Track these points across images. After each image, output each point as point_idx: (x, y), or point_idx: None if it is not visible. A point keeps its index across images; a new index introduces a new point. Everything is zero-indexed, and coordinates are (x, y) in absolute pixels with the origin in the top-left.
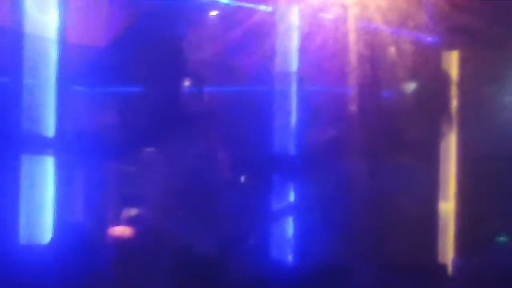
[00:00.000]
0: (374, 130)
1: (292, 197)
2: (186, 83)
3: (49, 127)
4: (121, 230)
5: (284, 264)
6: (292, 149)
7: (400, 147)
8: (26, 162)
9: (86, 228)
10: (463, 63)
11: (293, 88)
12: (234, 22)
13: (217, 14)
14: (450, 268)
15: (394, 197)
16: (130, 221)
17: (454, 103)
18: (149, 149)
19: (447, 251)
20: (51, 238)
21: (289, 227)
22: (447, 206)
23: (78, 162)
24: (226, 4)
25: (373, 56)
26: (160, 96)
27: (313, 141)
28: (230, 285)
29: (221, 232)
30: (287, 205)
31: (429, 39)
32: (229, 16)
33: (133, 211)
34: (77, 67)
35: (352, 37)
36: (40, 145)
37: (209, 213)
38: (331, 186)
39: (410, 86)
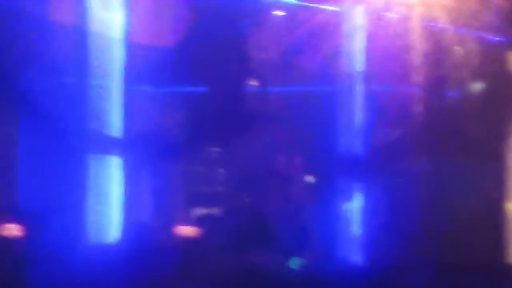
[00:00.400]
0: (439, 130)
1: (358, 197)
2: (251, 83)
3: (115, 127)
4: (187, 230)
5: (351, 264)
6: (357, 150)
7: (465, 147)
8: (93, 162)
9: (153, 228)
10: None
11: (359, 88)
12: (299, 22)
13: (282, 14)
14: None
15: (459, 197)
16: (196, 221)
17: None
18: (214, 149)
19: None
20: (119, 238)
21: (355, 227)
22: None
23: (145, 162)
24: (291, 4)
25: (438, 55)
26: (226, 96)
27: (379, 141)
28: (296, 286)
29: (287, 232)
30: (353, 206)
31: (495, 38)
32: (294, 16)
33: (199, 211)
34: (143, 66)
35: (417, 36)
36: (107, 145)
37: (275, 213)
38: (396, 186)
39: (475, 86)
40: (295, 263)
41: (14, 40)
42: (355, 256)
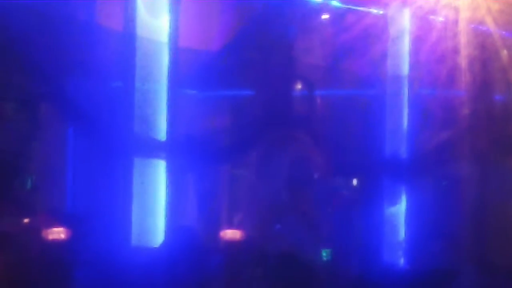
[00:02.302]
0: (485, 133)
1: (403, 200)
2: (297, 86)
3: (161, 130)
4: (232, 233)
5: (395, 267)
6: (403, 152)
7: (510, 151)
8: (139, 165)
9: (197, 231)
10: None
11: (405, 91)
12: (345, 26)
13: (328, 17)
14: None
15: (504, 200)
16: (241, 225)
17: None
18: (260, 153)
19: None
20: (163, 241)
21: (400, 230)
22: None
23: (190, 165)
24: (338, 8)
25: (484, 58)
26: (272, 99)
27: (424, 145)
28: None
29: (331, 235)
30: (399, 209)
31: None
32: (340, 19)
33: (244, 215)
34: (188, 70)
35: (463, 39)
36: (152, 148)
37: (321, 216)
38: (442, 190)
39: None
40: (338, 266)
41: (62, 45)
42: (400, 259)
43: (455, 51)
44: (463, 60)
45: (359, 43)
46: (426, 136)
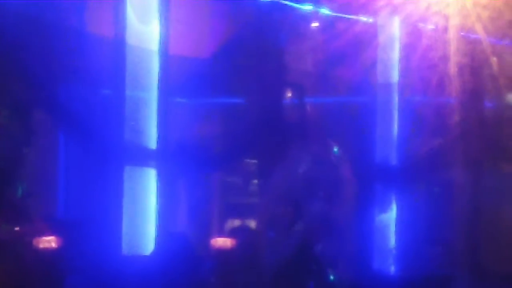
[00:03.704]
0: (476, 139)
1: (394, 207)
2: (288, 93)
3: (151, 138)
4: (223, 242)
5: (387, 273)
6: (394, 159)
7: (501, 156)
8: (129, 173)
9: (188, 239)
10: None
11: (395, 98)
12: (336, 33)
13: (318, 25)
14: None
15: (496, 206)
16: (232, 233)
17: None
18: (250, 160)
19: None
20: (154, 248)
21: (392, 237)
22: None
23: (180, 173)
24: (328, 15)
25: (474, 66)
26: (262, 106)
27: (415, 151)
28: None
29: (323, 242)
30: (389, 215)
31: None
32: (331, 27)
33: (235, 222)
34: (179, 78)
35: (453, 47)
36: (142, 156)
37: (311, 223)
38: (433, 196)
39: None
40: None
41: (52, 52)
42: (391, 266)
43: (445, 58)
44: (453, 67)
45: (349, 50)
46: (417, 142)
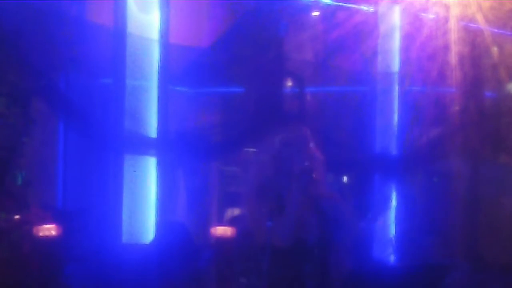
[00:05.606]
0: (476, 129)
1: (393, 197)
2: (288, 83)
3: (151, 127)
4: (222, 230)
5: (386, 263)
6: (394, 149)
7: (501, 147)
8: (129, 162)
9: (188, 228)
10: None
11: (395, 88)
12: (336, 23)
13: (319, 14)
14: None
15: (495, 197)
16: (232, 221)
17: None
18: (250, 149)
19: None
20: (153, 238)
21: (391, 227)
22: None
23: (180, 162)
24: (328, 5)
25: (474, 55)
26: (262, 96)
27: (415, 141)
28: (330, 285)
29: (322, 232)
30: (388, 205)
31: None
32: (331, 16)
33: (235, 211)
34: (179, 67)
35: (453, 36)
36: (142, 145)
37: (309, 213)
38: (432, 186)
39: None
40: (329, 263)
41: (52, 41)
42: (391, 256)
43: (446, 48)
44: (453, 57)
45: (350, 40)
46: (417, 132)
